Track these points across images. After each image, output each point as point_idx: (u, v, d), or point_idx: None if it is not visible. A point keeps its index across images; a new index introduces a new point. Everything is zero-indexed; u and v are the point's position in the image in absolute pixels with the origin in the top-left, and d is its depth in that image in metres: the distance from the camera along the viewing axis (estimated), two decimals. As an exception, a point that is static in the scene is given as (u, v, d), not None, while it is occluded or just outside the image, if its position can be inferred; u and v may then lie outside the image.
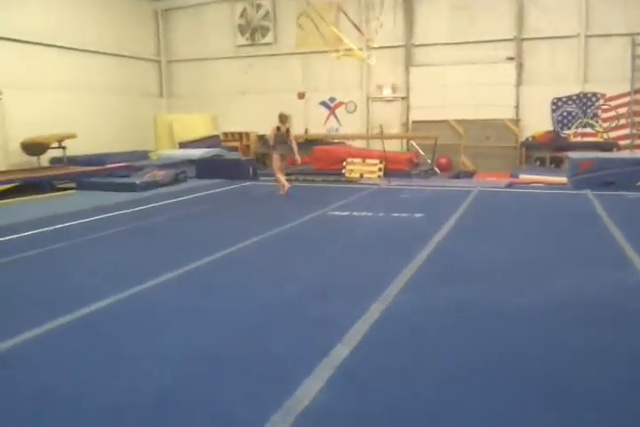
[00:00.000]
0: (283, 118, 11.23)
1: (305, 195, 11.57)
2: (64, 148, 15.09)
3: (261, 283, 5.25)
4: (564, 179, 13.16)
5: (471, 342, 3.82)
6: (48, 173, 12.17)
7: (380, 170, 14.68)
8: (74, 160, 15.16)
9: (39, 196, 11.28)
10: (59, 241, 7.06)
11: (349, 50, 11.46)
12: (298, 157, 11.27)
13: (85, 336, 3.99)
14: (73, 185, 12.76)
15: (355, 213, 8.89)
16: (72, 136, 15.12)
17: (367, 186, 12.53)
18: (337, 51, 11.40)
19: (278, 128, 11.12)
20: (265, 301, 4.72)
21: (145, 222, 8.36)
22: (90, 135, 16.48)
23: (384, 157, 13.84)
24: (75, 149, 15.48)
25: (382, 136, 13.05)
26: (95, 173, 13.22)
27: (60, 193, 11.74)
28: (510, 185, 12.73)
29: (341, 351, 3.62)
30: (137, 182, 11.85)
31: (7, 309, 4.66)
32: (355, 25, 11.63)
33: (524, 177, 13.92)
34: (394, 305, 4.55)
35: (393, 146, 17.25)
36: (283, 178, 11.27)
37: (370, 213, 8.87)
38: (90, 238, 7.26)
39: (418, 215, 8.68)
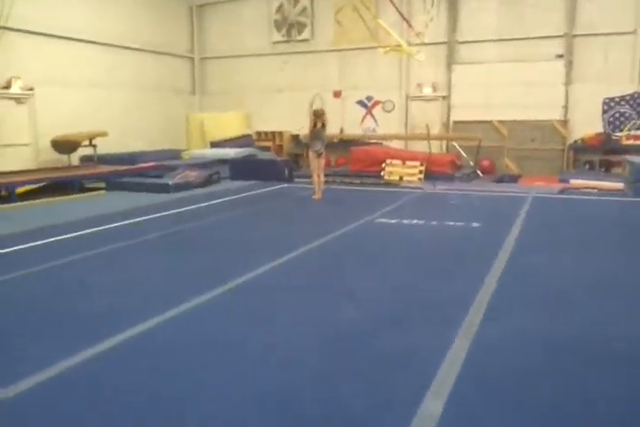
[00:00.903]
0: (318, 114, 10.60)
1: (345, 199, 10.87)
2: (95, 146, 14.56)
3: (317, 307, 4.54)
4: (619, 184, 12.25)
5: (589, 391, 3.06)
6: (77, 173, 11.65)
7: (420, 172, 13.89)
8: (104, 159, 14.64)
9: (67, 196, 10.74)
10: (87, 249, 6.43)
11: (398, 45, 10.66)
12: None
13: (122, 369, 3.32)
14: (103, 185, 12.22)
15: (405, 221, 8.13)
16: (103, 134, 14.58)
17: (410, 190, 11.75)
18: (384, 46, 10.60)
19: (315, 124, 10.47)
20: (324, 331, 3.99)
21: (180, 228, 7.71)
22: (121, 133, 15.94)
23: (426, 159, 13.03)
24: (105, 147, 14.95)
25: (428, 137, 12.22)
26: (126, 172, 12.65)
27: (89, 194, 11.19)
28: (563, 191, 11.86)
29: (433, 407, 2.89)
30: (170, 183, 11.24)
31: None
32: (404, 18, 10.85)
33: (575, 182, 13.01)
34: (481, 338, 3.80)
35: (433, 147, 16.45)
36: (319, 180, 10.56)
37: (421, 222, 8.10)
38: (121, 247, 6.63)
39: (475, 225, 7.90)
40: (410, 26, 10.94)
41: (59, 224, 8.00)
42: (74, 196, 10.96)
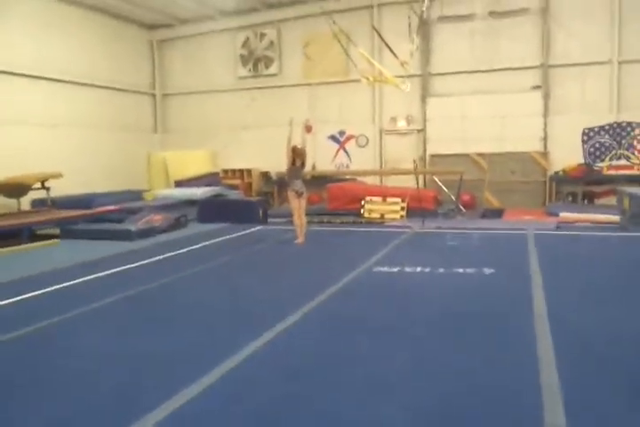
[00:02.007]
0: (298, 151, 9.56)
1: (329, 241, 9.66)
2: (48, 188, 13.07)
3: (343, 404, 3.27)
4: (614, 217, 11.41)
5: None
6: (25, 220, 10.14)
7: (402, 209, 12.87)
8: (59, 202, 13.13)
9: (14, 247, 9.26)
10: (31, 321, 5.04)
11: (377, 79, 9.69)
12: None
13: None
14: (57, 232, 10.77)
15: (407, 270, 6.96)
16: (57, 176, 13.11)
17: (397, 229, 10.63)
18: (367, 77, 9.62)
19: (294, 161, 9.41)
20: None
21: (144, 287, 6.34)
22: (77, 174, 14.49)
23: (413, 195, 11.97)
24: (60, 189, 13.47)
25: (415, 171, 11.20)
26: (83, 217, 11.22)
27: (40, 243, 9.71)
28: (559, 226, 10.93)
29: None
30: (132, 229, 9.88)
31: None
32: (388, 46, 9.92)
33: (566, 215, 12.15)
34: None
35: (409, 182, 15.51)
36: (301, 222, 9.41)
37: (426, 269, 6.94)
38: (66, 319, 5.24)
39: (487, 271, 6.78)
40: (394, 55, 9.99)
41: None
42: (22, 246, 9.48)
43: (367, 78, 9.57)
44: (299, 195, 9.47)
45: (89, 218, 11.48)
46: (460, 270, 6.84)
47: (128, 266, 7.56)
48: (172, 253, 8.48)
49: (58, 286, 6.43)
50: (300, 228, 9.40)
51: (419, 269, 6.99)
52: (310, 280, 6.60)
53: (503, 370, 3.74)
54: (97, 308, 5.49)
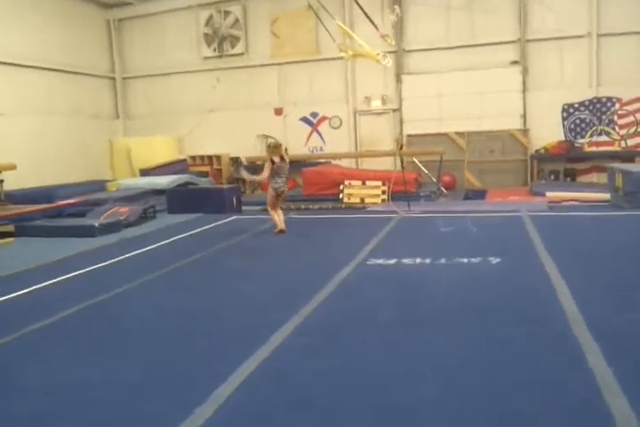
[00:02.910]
0: (274, 149, 8.46)
1: (312, 231, 8.83)
2: (1, 181, 11.91)
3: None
4: (604, 195, 10.87)
5: None
6: (-25, 217, 9.05)
7: (384, 193, 12.10)
8: (14, 196, 11.99)
9: (-37, 249, 8.21)
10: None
11: (360, 49, 8.81)
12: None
13: None
14: (12, 229, 9.69)
15: (406, 261, 6.19)
16: (10, 167, 11.96)
17: (383, 215, 9.85)
18: (344, 50, 8.75)
19: (272, 160, 8.32)
20: None
21: (106, 296, 5.41)
22: (33, 165, 13.35)
23: (392, 178, 11.19)
24: (15, 182, 12.35)
25: (399, 153, 10.41)
26: (40, 212, 10.15)
27: (-8, 242, 8.65)
28: (550, 207, 10.31)
29: None
30: (95, 225, 8.87)
31: None
32: (368, 17, 9.03)
33: (552, 195, 11.57)
34: None
35: (385, 164, 14.76)
36: (278, 217, 8.54)
37: (426, 260, 6.19)
38: (14, 339, 4.33)
39: (494, 260, 6.06)
40: (375, 27, 9.12)
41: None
42: (-28, 247, 8.43)
43: (346, 52, 8.68)
44: (278, 194, 8.52)
45: (48, 213, 10.42)
46: (464, 260, 6.10)
47: (89, 268, 6.61)
48: (139, 251, 7.53)
49: (3, 298, 5.46)
50: (278, 218, 8.50)
51: (418, 260, 6.23)
52: (301, 278, 5.79)
53: (564, 391, 3.00)
54: (47, 325, 4.57)
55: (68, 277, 6.22)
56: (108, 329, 4.42)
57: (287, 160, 8.51)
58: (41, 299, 5.44)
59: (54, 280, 6.10)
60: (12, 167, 12.02)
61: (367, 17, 9.02)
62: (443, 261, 6.14)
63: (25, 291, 5.67)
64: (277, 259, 6.88)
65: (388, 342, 3.83)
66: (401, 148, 10.45)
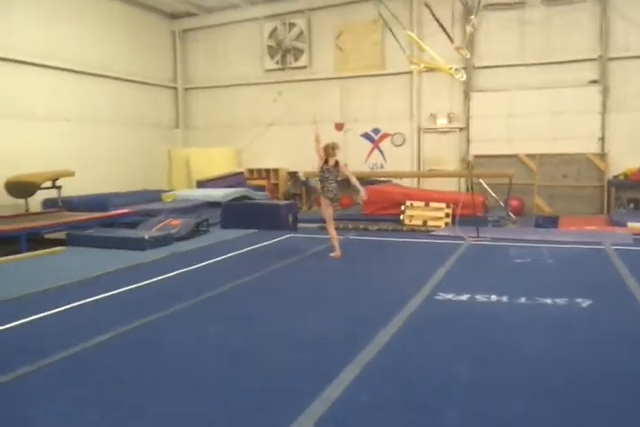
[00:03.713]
0: (330, 149, 7.86)
1: (370, 255, 8.15)
2: (59, 188, 11.78)
3: None
4: (694, 229, 9.78)
5: None
6: (26, 225, 8.78)
7: (447, 216, 11.32)
8: (70, 203, 11.84)
9: (10, 256, 7.92)
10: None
11: (432, 62, 8.16)
12: (363, 194, 8.17)
13: None
14: (63, 236, 9.43)
15: (479, 298, 5.44)
16: (69, 174, 11.83)
17: (449, 241, 9.09)
18: (416, 63, 8.12)
19: (326, 161, 7.81)
20: None
21: (144, 321, 4.91)
22: (92, 173, 13.22)
23: (460, 201, 10.41)
24: (73, 189, 12.22)
25: (469, 175, 9.65)
26: (92, 221, 9.86)
27: (41, 252, 8.34)
28: (635, 239, 9.30)
29: None
30: (145, 237, 8.47)
31: None
32: (443, 28, 8.40)
33: (634, 225, 10.52)
34: None
35: (449, 186, 13.97)
36: (335, 238, 7.94)
37: (503, 298, 5.42)
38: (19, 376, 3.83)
39: (584, 302, 5.23)
40: (450, 39, 8.46)
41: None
42: (22, 255, 8.15)
43: (417, 64, 8.04)
44: (333, 202, 7.95)
45: (101, 221, 10.13)
46: (548, 301, 5.30)
47: (131, 286, 6.14)
48: (187, 269, 7.04)
49: (28, 319, 5.00)
50: (335, 240, 7.93)
51: (493, 297, 5.47)
52: (361, 311, 5.11)
53: None
54: (70, 356, 4.06)
55: (107, 296, 5.75)
56: (131, 367, 3.87)
57: (340, 163, 7.93)
58: (72, 322, 4.96)
59: (93, 298, 5.64)
60: (71, 174, 11.89)
61: (442, 27, 8.38)
62: (522, 300, 5.36)
63: (57, 310, 5.22)
64: (334, 287, 6.23)
65: (471, 411, 3.11)
66: (471, 169, 9.62)
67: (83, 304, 5.44)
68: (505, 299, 5.40)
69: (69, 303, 5.41)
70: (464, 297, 5.48)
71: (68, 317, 5.08)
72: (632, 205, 12.92)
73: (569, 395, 3.28)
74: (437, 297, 5.51)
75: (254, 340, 4.33)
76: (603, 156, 13.13)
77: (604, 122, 13.14)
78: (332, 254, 7.81)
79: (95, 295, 5.71)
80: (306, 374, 3.63)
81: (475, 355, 3.93)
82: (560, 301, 5.30)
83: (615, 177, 13.01)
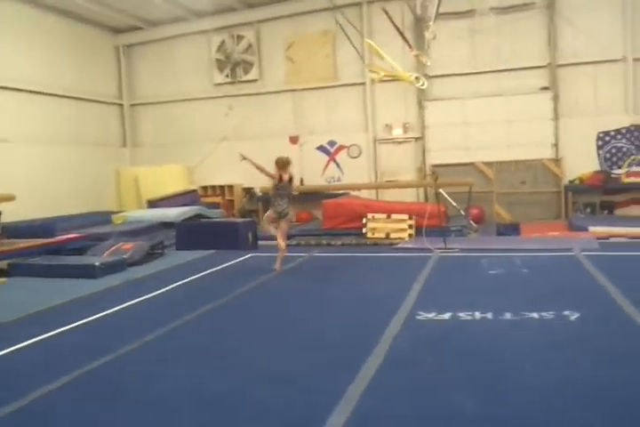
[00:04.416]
0: (282, 164, 7.70)
1: (339, 272, 7.74)
2: (-2, 214, 10.95)
3: None
4: (655, 231, 9.80)
5: None
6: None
7: (410, 227, 11.06)
8: (11, 229, 11.02)
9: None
10: None
11: (392, 70, 7.87)
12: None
13: None
14: (5, 266, 8.67)
15: (462, 316, 5.10)
16: (9, 198, 11.00)
17: (417, 254, 8.79)
18: (375, 71, 7.83)
19: (280, 177, 7.65)
20: None
21: (101, 361, 4.36)
22: (35, 196, 12.41)
23: (426, 211, 10.14)
24: (14, 214, 11.39)
25: (435, 185, 9.40)
26: (37, 248, 9.13)
27: (-20, 285, 7.61)
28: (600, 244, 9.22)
29: None
30: (96, 264, 7.83)
31: None
32: (402, 35, 8.17)
33: (595, 230, 10.49)
34: None
35: (406, 196, 13.77)
36: (281, 239, 7.82)
37: (488, 315, 5.09)
38: None
39: (571, 316, 4.96)
40: (409, 46, 8.23)
41: None
42: (-44, 289, 7.39)
43: (377, 73, 7.75)
44: (281, 216, 7.74)
45: (46, 248, 9.39)
46: (535, 315, 5.01)
47: (82, 320, 5.53)
48: (142, 298, 6.46)
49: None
50: (280, 252, 7.82)
51: (477, 314, 5.14)
52: (337, 338, 4.69)
53: None
54: (23, 408, 3.49)
55: (57, 333, 5.15)
56: (88, 417, 3.33)
57: (293, 179, 7.97)
58: (23, 363, 4.37)
59: (41, 337, 5.03)
60: (11, 198, 11.05)
61: (401, 34, 8.16)
62: (508, 316, 5.05)
63: (5, 351, 4.60)
64: (305, 310, 5.79)
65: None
66: (436, 179, 9.38)
67: (26, 345, 4.83)
68: (490, 315, 5.08)
69: (9, 347, 4.77)
70: (446, 315, 5.13)
71: (6, 362, 4.46)
72: (589, 210, 13.00)
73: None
74: (418, 317, 5.14)
75: (227, 383, 3.82)
76: (557, 161, 13.18)
77: (556, 128, 13.20)
78: (274, 266, 7.79)
79: (39, 335, 5.09)
80: (289, 421, 3.18)
81: (474, 384, 3.55)
82: (547, 314, 5.02)
83: (571, 182, 13.07)
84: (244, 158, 7.79)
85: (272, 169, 7.70)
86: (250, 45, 14.89)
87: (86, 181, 14.20)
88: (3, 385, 3.92)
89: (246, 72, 15.02)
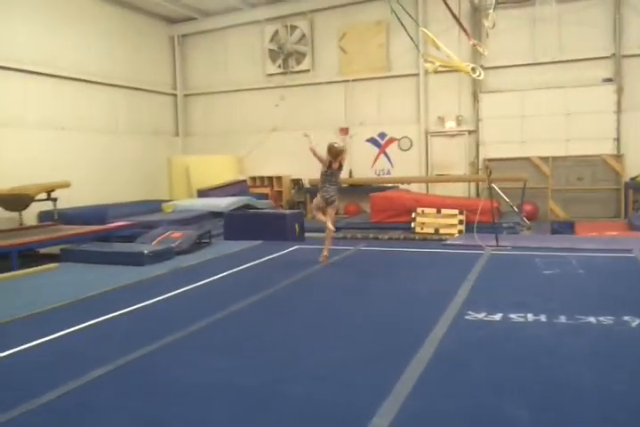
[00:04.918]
0: (334, 152, 7.49)
1: (385, 267, 7.56)
2: (54, 200, 11.26)
3: None
4: None
5: None
6: (16, 241, 8.21)
7: (461, 223, 10.78)
8: (67, 215, 11.33)
9: (0, 275, 7.37)
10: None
11: (448, 60, 7.61)
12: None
13: None
14: (57, 251, 8.88)
15: (514, 317, 4.87)
16: (65, 185, 11.32)
17: (467, 250, 8.52)
18: (430, 61, 7.58)
19: (330, 164, 7.52)
20: None
21: (142, 352, 4.36)
22: (89, 184, 12.75)
23: (478, 207, 9.83)
24: (70, 200, 11.73)
25: (488, 180, 9.10)
26: (88, 234, 9.31)
27: (33, 269, 7.78)
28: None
29: None
30: (144, 252, 7.91)
31: None
32: (458, 21, 7.90)
33: (660, 230, 9.98)
34: None
35: (456, 191, 13.45)
36: (329, 222, 7.73)
37: (541, 317, 4.84)
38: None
39: (632, 322, 4.65)
40: (467, 35, 7.94)
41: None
42: (11, 273, 7.59)
43: (432, 62, 7.50)
44: (328, 203, 7.63)
45: (97, 235, 9.58)
46: (592, 320, 4.73)
47: (126, 309, 5.57)
48: (187, 288, 6.46)
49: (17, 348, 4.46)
50: (327, 234, 7.82)
51: (529, 316, 4.90)
52: (381, 337, 4.53)
53: None
54: (57, 399, 3.50)
55: (103, 320, 5.19)
56: (141, 407, 3.31)
57: (342, 168, 7.76)
58: (65, 351, 4.42)
59: (87, 323, 5.08)
60: (67, 185, 11.37)
61: (458, 23, 7.85)
62: (563, 319, 4.79)
63: (45, 339, 4.66)
64: (349, 306, 5.65)
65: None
66: (489, 174, 9.08)
67: (76, 330, 4.89)
68: (543, 318, 4.83)
69: (61, 330, 4.85)
70: (497, 316, 4.91)
71: (58, 345, 4.52)
72: (651, 208, 12.38)
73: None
74: (467, 317, 4.94)
75: (260, 379, 3.73)
76: (619, 157, 12.60)
77: (619, 122, 12.61)
78: (319, 259, 7.79)
79: (88, 320, 5.15)
80: (330, 418, 3.07)
81: (525, 391, 3.35)
82: (605, 319, 4.73)
83: (632, 179, 12.47)
84: (307, 135, 7.78)
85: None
86: (303, 35, 14.78)
87: (140, 170, 14.45)
88: (48, 371, 3.95)
89: (299, 62, 14.93)
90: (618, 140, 12.63)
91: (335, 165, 7.55)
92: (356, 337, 4.54)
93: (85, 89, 13.28)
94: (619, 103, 12.57)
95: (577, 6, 12.54)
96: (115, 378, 3.76)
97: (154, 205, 12.73)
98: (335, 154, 7.50)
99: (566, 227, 11.68)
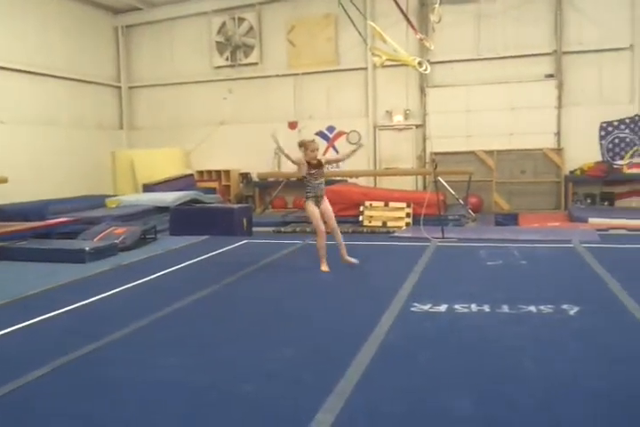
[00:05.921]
0: (312, 147, 6.77)
1: (331, 259, 7.53)
2: (-9, 196, 10.79)
3: None
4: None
5: None
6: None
7: (408, 215, 10.88)
8: (4, 211, 10.83)
9: None
10: None
11: (395, 54, 7.61)
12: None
13: None
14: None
15: (458, 308, 4.92)
16: (1, 181, 10.85)
17: (414, 243, 8.61)
18: (379, 55, 7.56)
19: (309, 163, 6.73)
20: None
21: (84, 351, 4.19)
22: (28, 179, 12.23)
23: (416, 199, 9.96)
24: (8, 196, 11.23)
25: (434, 173, 9.19)
26: (26, 231, 8.94)
27: (-34, 268, 7.43)
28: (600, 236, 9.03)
29: None
30: (86, 249, 7.65)
31: None
32: (405, 16, 7.91)
33: (595, 221, 10.33)
34: None
35: (404, 184, 13.57)
36: (337, 237, 6.91)
37: (485, 307, 4.92)
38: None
39: (571, 310, 4.78)
40: (414, 29, 7.96)
41: None
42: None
43: (379, 56, 7.50)
44: (318, 201, 6.88)
45: (36, 232, 9.21)
46: (532, 309, 4.83)
47: (65, 308, 5.35)
48: (129, 285, 6.27)
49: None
50: (321, 250, 6.81)
51: (473, 306, 4.96)
52: (327, 332, 4.50)
53: None
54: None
55: (42, 319, 4.97)
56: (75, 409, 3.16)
57: (322, 163, 6.88)
58: (6, 350, 4.21)
59: (25, 323, 4.86)
60: (3, 181, 10.91)
61: (406, 17, 7.88)
62: (505, 309, 4.87)
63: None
64: (297, 300, 5.61)
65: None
66: (435, 167, 9.18)
67: (14, 330, 4.66)
68: (487, 308, 4.90)
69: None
70: (442, 308, 4.95)
71: (-12, 349, 4.31)
72: (589, 201, 12.79)
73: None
74: (413, 309, 4.96)
75: (213, 372, 3.66)
76: (559, 151, 12.95)
77: (559, 116, 12.96)
78: (322, 268, 6.76)
79: (27, 319, 4.92)
80: (274, 414, 3.01)
81: (469, 380, 3.38)
82: (545, 308, 4.84)
83: (572, 172, 12.85)
84: (273, 136, 6.90)
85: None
86: (251, 28, 14.56)
87: (83, 164, 13.98)
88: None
89: (247, 55, 14.72)
90: (558, 134, 12.98)
91: (314, 162, 6.73)
92: (302, 333, 4.49)
93: (24, 80, 12.72)
94: (559, 98, 12.91)
95: (520, 2, 12.78)
96: (55, 379, 3.59)
97: (97, 201, 12.32)
98: (313, 149, 6.71)
99: (510, 219, 11.98)
